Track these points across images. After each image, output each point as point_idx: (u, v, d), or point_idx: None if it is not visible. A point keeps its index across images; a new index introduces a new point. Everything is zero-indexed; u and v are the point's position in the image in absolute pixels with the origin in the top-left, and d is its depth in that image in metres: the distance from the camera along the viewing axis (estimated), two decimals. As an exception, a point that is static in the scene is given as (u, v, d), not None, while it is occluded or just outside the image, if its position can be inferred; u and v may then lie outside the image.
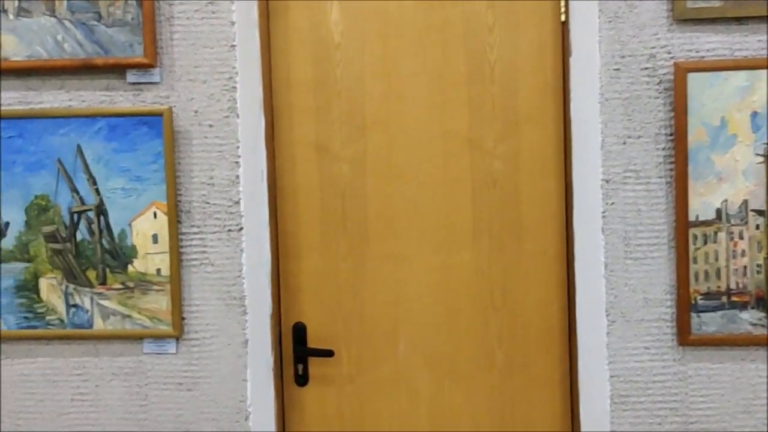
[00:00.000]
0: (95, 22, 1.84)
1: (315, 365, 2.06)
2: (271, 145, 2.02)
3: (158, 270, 1.89)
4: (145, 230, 1.88)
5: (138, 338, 1.92)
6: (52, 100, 1.90)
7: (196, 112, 1.89)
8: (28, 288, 1.91)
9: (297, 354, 2.04)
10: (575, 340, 1.95)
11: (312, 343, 2.05)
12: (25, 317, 1.92)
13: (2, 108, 1.89)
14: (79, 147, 1.87)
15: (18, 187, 1.88)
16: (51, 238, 1.90)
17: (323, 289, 2.04)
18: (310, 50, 2.01)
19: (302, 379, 2.05)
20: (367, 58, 2.00)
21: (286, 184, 2.03)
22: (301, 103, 2.02)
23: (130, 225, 1.89)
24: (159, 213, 1.88)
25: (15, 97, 1.90)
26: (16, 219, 1.89)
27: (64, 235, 1.89)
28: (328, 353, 2.03)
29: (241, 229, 1.90)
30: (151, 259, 1.89)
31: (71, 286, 1.91)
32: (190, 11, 1.87)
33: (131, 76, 1.88)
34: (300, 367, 2.05)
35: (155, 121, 1.85)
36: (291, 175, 2.03)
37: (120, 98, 1.89)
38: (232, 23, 1.87)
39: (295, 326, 2.05)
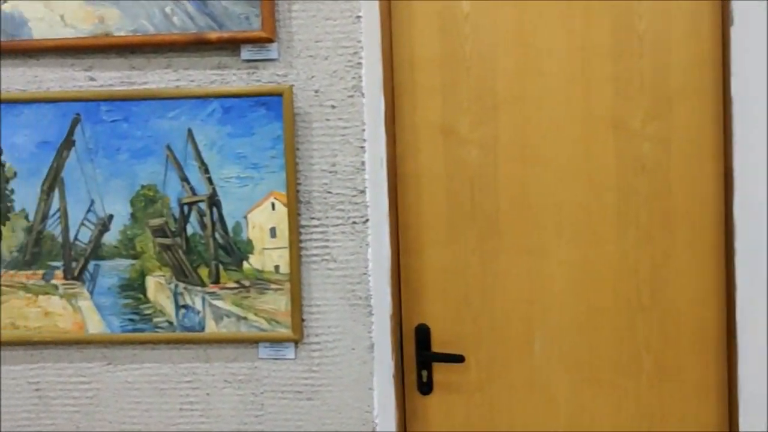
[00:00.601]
0: (208, -7, 1.67)
1: (440, 371, 1.88)
2: (391, 128, 1.84)
3: (276, 267, 1.72)
4: (262, 223, 1.72)
5: (253, 342, 1.76)
6: (158, 80, 1.73)
7: (316, 91, 1.71)
8: (134, 287, 1.75)
9: (421, 359, 1.87)
10: (734, 342, 1.76)
11: (437, 346, 1.88)
12: (131, 319, 1.76)
13: (104, 89, 1.73)
14: (190, 131, 1.71)
15: (123, 176, 1.72)
16: (159, 232, 1.74)
17: (449, 287, 1.87)
18: (436, 22, 1.82)
19: (426, 387, 1.88)
20: (500, 29, 1.81)
21: (407, 171, 1.85)
22: (425, 81, 1.83)
23: (245, 217, 1.72)
24: (278, 204, 1.71)
25: (117, 77, 1.74)
26: (120, 211, 1.73)
27: (173, 229, 1.73)
28: (459, 358, 1.85)
29: (367, 221, 1.73)
30: (268, 254, 1.72)
31: (181, 285, 1.74)
32: (309, -21, 1.70)
33: (246, 53, 1.70)
34: (424, 373, 1.88)
35: (274, 102, 1.68)
36: (413, 161, 1.85)
37: (233, 77, 1.72)
38: (357, -8, 1.70)
39: (417, 328, 1.88)
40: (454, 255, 1.85)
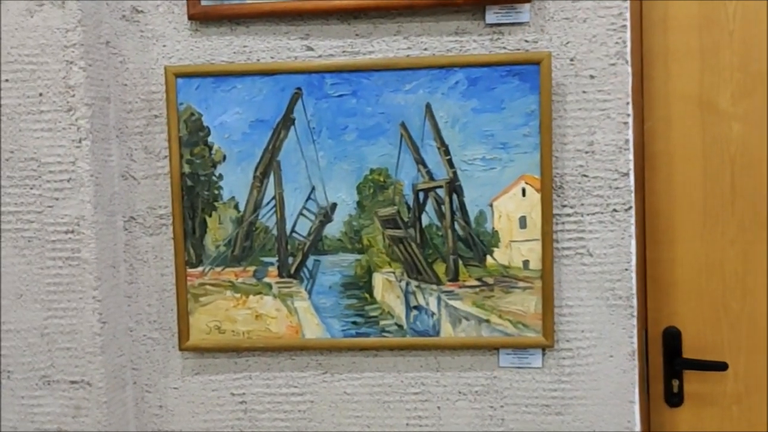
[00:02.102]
0: (452, -55, 1.48)
1: (691, 381, 1.67)
2: (639, 101, 1.64)
3: (525, 262, 1.53)
4: (510, 212, 1.52)
5: (493, 348, 1.57)
6: (386, 48, 1.54)
7: (572, 59, 1.51)
8: (359, 286, 1.56)
9: (673, 367, 1.68)
10: None
11: (687, 352, 1.68)
12: (354, 322, 1.58)
13: (323, 59, 1.55)
14: (428, 107, 1.51)
15: (349, 159, 1.53)
16: (389, 222, 1.55)
17: (703, 285, 1.65)
18: (695, -21, 1.62)
19: (676, 398, 1.68)
20: (770, -13, 1.60)
21: (658, 150, 1.65)
22: (680, 47, 1.62)
23: (490, 205, 1.53)
24: (529, 189, 1.52)
25: (338, 46, 1.55)
26: (345, 199, 1.55)
27: (406, 219, 1.54)
28: (721, 366, 1.63)
29: (630, 208, 1.53)
30: (516, 248, 1.53)
31: (413, 284, 1.56)
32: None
33: (492, 16, 1.51)
34: (675, 383, 1.68)
35: (529, 72, 1.48)
36: (665, 139, 1.64)
37: (473, 44, 1.52)
38: (621, -58, 1.49)
39: (666, 332, 1.68)
40: (710, 247, 1.64)
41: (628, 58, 1.49)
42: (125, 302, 1.61)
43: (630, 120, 1.50)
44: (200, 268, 1.57)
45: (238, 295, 1.57)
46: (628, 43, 1.49)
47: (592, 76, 1.50)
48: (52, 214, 1.50)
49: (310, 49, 1.54)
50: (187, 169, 1.54)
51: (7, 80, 1.49)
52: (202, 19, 1.53)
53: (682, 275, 1.66)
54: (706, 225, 1.64)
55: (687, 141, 1.63)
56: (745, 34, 1.60)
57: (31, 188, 1.50)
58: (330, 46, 1.54)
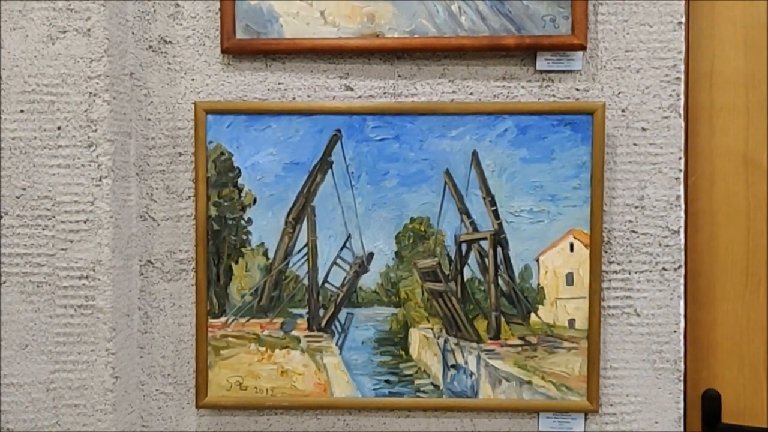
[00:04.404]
0: (507, -12, 1.40)
1: (731, 447, 1.60)
2: (683, 156, 1.58)
3: (571, 321, 1.44)
4: (557, 267, 1.44)
5: (533, 412, 1.47)
6: (429, 92, 1.46)
7: (623, 110, 1.44)
8: (394, 342, 1.46)
9: (712, 431, 1.60)
10: None
11: (728, 416, 1.60)
12: (387, 381, 1.46)
13: (363, 100, 1.45)
14: (474, 154, 1.43)
15: (389, 206, 1.44)
16: (429, 275, 1.45)
17: (745, 347, 1.58)
18: (741, 31, 1.57)
19: (715, 466, 1.60)
20: (818, 44, 1.56)
21: (700, 208, 1.59)
22: (726, 103, 1.58)
23: (537, 260, 1.44)
24: (577, 245, 1.44)
25: (379, 87, 1.46)
26: (383, 249, 1.44)
27: (447, 272, 1.45)
28: (763, 432, 1.57)
29: (680, 267, 1.46)
30: (562, 306, 1.44)
31: (452, 341, 1.45)
32: (618, -23, 1.43)
33: (543, 62, 1.43)
34: (714, 449, 1.60)
35: (581, 122, 1.41)
36: (707, 197, 1.59)
37: (521, 90, 1.45)
38: (679, -7, 1.44)
39: (705, 395, 1.60)
40: (751, 309, 1.57)
41: (681, 111, 1.43)
42: (137, 353, 1.48)
43: (681, 175, 1.43)
44: (223, 319, 1.44)
45: (263, 349, 1.44)
46: (682, 97, 1.43)
47: (644, 129, 1.43)
48: (66, 258, 1.37)
49: (349, 89, 1.45)
50: (213, 212, 1.43)
51: (22, 111, 1.36)
52: (236, 53, 1.43)
53: (722, 337, 1.58)
54: (748, 286, 1.57)
55: (731, 199, 1.57)
56: (792, 91, 1.55)
57: (44, 229, 1.37)
58: (371, 87, 1.45)
